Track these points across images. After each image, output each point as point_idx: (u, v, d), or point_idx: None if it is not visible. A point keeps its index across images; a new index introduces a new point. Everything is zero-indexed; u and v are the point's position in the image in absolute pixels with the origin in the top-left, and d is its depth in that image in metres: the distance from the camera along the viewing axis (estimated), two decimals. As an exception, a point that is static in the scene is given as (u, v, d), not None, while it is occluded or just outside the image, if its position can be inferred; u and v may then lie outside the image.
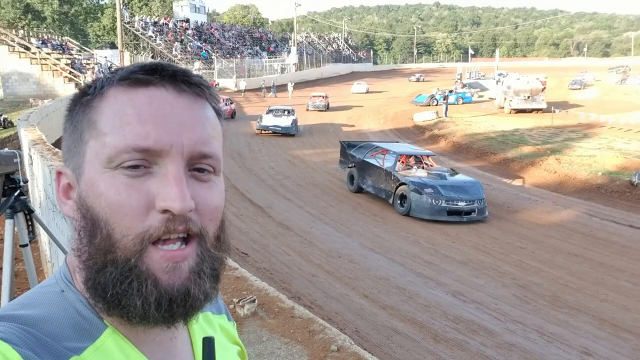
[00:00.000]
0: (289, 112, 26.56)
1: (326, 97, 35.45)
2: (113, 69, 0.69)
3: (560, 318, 7.73)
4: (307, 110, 33.48)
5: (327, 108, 34.41)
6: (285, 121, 25.11)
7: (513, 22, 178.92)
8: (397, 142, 19.73)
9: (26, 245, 2.75)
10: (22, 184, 2.71)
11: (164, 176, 0.60)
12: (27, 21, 45.15)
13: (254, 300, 4.46)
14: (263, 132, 25.12)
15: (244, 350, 0.87)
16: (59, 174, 0.68)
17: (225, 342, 0.82)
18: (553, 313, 7.88)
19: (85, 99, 0.65)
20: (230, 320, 0.88)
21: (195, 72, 0.68)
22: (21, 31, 36.53)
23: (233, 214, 12.25)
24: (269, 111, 26.63)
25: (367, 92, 47.64)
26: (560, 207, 14.31)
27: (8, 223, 2.67)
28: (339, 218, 12.51)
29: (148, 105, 0.61)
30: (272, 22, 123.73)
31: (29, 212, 2.74)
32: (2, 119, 22.98)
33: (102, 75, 0.68)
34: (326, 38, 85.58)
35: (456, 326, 7.23)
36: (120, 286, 0.59)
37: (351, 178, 15.28)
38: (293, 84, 44.58)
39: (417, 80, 61.98)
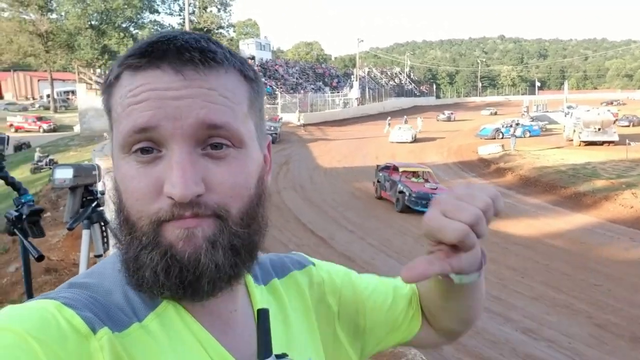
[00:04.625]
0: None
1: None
2: None
3: (641, 361, 7.20)
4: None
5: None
6: None
7: (582, 53, 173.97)
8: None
9: (100, 255, 2.85)
10: (99, 195, 2.83)
11: (169, 160, 0.60)
12: (104, 61, 48.10)
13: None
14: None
15: (326, 290, 0.87)
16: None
17: (301, 297, 0.83)
18: (634, 354, 7.35)
19: (105, 85, 0.66)
20: (307, 265, 0.89)
21: (199, 39, 0.63)
22: (98, 70, 38.94)
23: (295, 244, 12.31)
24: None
25: (414, 140, 34.12)
26: (638, 244, 13.48)
27: (85, 233, 2.78)
28: (401, 250, 12.31)
29: (143, 87, 0.60)
30: (335, 58, 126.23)
31: (104, 224, 2.85)
32: (47, 160, 24.56)
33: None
34: (388, 73, 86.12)
35: (527, 365, 6.88)
36: (137, 263, 0.61)
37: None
38: (423, 118, 42.25)
39: (448, 119, 53.32)
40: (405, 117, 43.09)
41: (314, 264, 0.89)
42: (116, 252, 0.69)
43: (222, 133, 0.61)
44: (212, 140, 0.61)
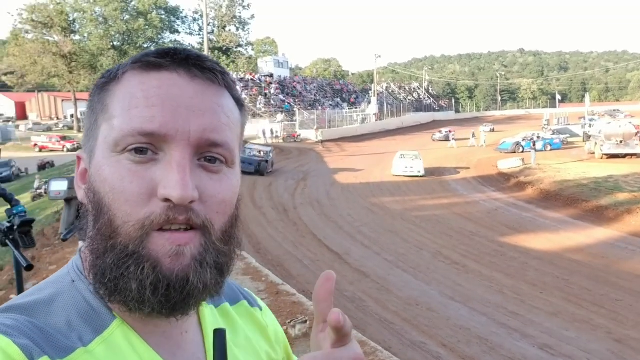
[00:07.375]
0: None
1: None
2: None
3: (664, 378, 6.98)
4: None
5: None
6: None
7: (603, 65, 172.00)
8: None
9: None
10: None
11: (167, 163, 0.59)
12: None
13: (305, 321, 4.59)
14: None
15: (270, 335, 0.84)
16: (79, 158, 0.69)
17: (252, 329, 0.80)
18: (656, 372, 7.14)
19: (101, 82, 0.65)
20: (255, 306, 0.85)
21: (213, 59, 0.66)
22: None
23: (310, 259, 12.27)
24: None
25: (425, 174, 26.03)
26: (662, 258, 13.14)
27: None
28: (417, 265, 12.18)
29: (157, 89, 0.60)
30: (353, 74, 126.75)
31: None
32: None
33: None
34: (407, 88, 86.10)
35: (543, 381, 6.70)
36: (118, 270, 0.58)
37: None
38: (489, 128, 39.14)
39: (446, 138, 43.43)
40: (450, 130, 41.23)
41: (261, 308, 0.86)
42: (69, 265, 0.68)
43: (220, 151, 0.62)
44: (208, 154, 0.62)
